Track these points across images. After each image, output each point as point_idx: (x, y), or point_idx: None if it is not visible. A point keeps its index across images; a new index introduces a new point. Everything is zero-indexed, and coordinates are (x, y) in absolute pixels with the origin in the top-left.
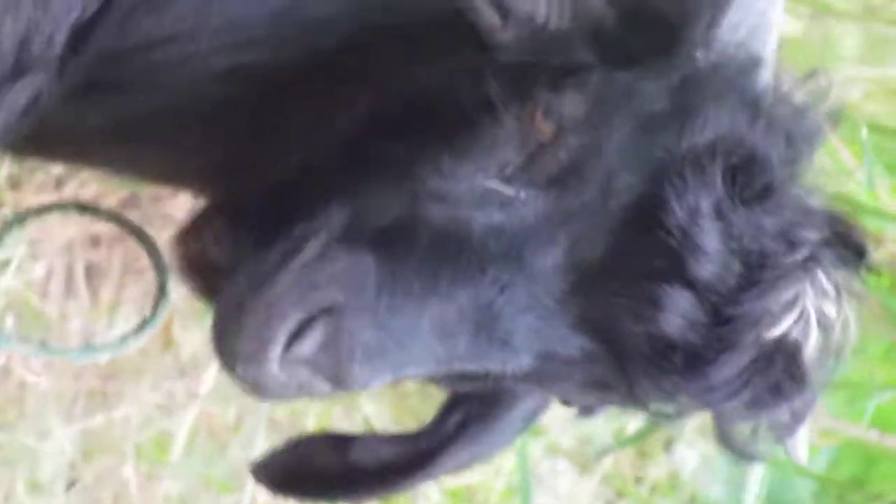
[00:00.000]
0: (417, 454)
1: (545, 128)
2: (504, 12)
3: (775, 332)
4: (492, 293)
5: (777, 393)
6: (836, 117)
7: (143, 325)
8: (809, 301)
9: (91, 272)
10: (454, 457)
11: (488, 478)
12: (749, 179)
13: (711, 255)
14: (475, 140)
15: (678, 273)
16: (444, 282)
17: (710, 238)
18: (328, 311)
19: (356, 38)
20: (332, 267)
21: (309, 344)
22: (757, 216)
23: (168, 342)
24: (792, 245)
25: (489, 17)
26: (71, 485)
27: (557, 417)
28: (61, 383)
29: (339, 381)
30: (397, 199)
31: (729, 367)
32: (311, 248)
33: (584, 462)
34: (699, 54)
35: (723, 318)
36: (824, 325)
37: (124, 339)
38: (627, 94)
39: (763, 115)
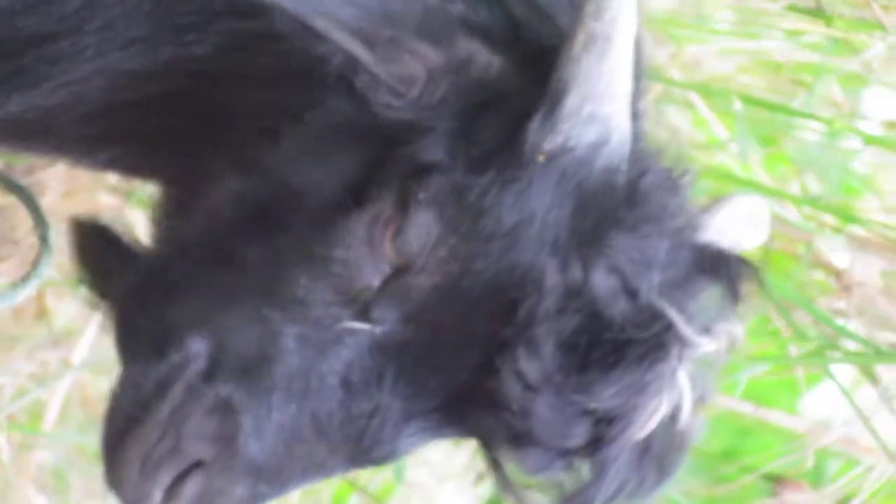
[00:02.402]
0: None
1: (396, 256)
2: (370, 76)
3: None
4: (359, 423)
5: (641, 488)
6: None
7: (29, 275)
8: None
9: None
10: None
11: None
12: (589, 340)
13: (542, 419)
14: (332, 254)
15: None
16: (310, 421)
17: (540, 406)
18: (199, 465)
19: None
20: (198, 414)
21: (185, 501)
22: (596, 377)
23: (42, 312)
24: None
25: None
26: None
27: None
28: None
29: None
30: (257, 329)
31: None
32: (178, 391)
33: None
34: (543, 149)
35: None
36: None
37: (14, 286)
38: (477, 211)
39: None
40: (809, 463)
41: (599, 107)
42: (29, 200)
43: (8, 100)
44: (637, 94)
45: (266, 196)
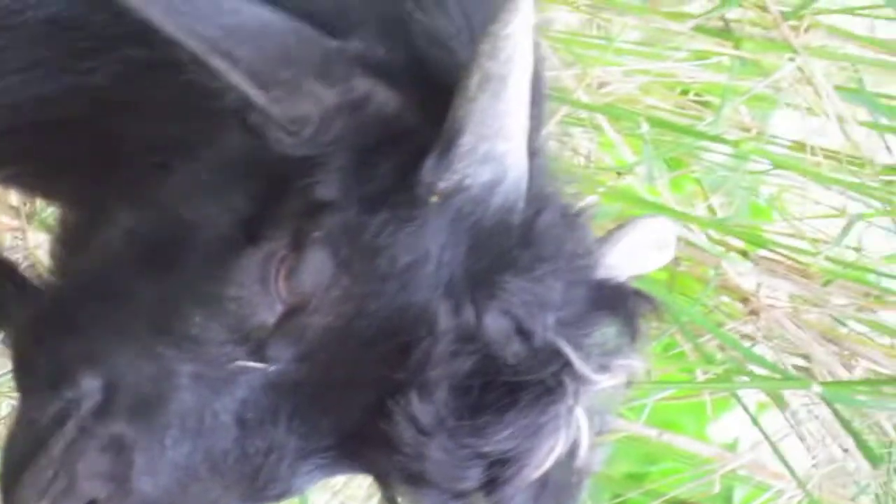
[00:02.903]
0: None
1: (290, 295)
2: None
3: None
4: (255, 461)
5: None
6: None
7: None
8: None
9: None
10: None
11: None
12: (483, 383)
13: (436, 462)
14: (225, 293)
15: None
16: (204, 459)
17: (433, 449)
18: (93, 503)
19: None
20: (92, 452)
21: None
22: (490, 420)
23: None
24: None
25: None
26: None
27: None
28: None
29: None
30: (151, 367)
31: None
32: (71, 429)
33: None
34: (437, 189)
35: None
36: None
37: None
38: (371, 250)
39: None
40: (717, 488)
41: (495, 146)
42: None
43: None
44: (535, 129)
45: (159, 232)
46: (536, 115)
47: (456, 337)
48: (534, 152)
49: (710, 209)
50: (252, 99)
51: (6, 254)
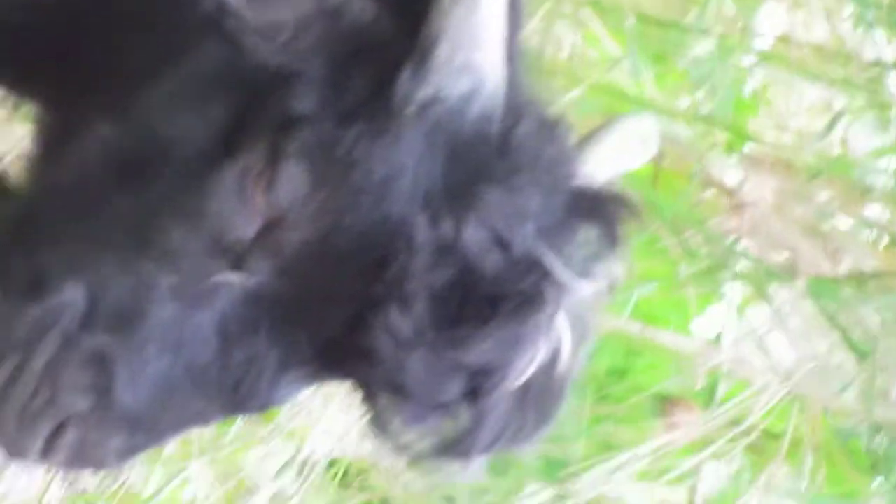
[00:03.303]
0: None
1: (267, 209)
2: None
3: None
4: (236, 373)
5: (521, 433)
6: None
7: None
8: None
9: None
10: None
11: None
12: (463, 295)
13: (416, 374)
14: (203, 206)
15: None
16: (186, 371)
17: (413, 362)
18: (74, 417)
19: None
20: (74, 365)
21: (63, 453)
22: (470, 332)
23: None
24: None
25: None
26: None
27: None
28: None
29: (95, 470)
30: (132, 280)
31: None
32: (54, 340)
33: None
34: (413, 101)
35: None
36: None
37: None
38: (346, 164)
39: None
40: (700, 383)
41: (471, 56)
42: None
43: None
44: (513, 35)
45: (136, 145)
46: (514, 19)
47: (434, 249)
48: (511, 58)
49: (695, 104)
50: (227, 2)
51: None
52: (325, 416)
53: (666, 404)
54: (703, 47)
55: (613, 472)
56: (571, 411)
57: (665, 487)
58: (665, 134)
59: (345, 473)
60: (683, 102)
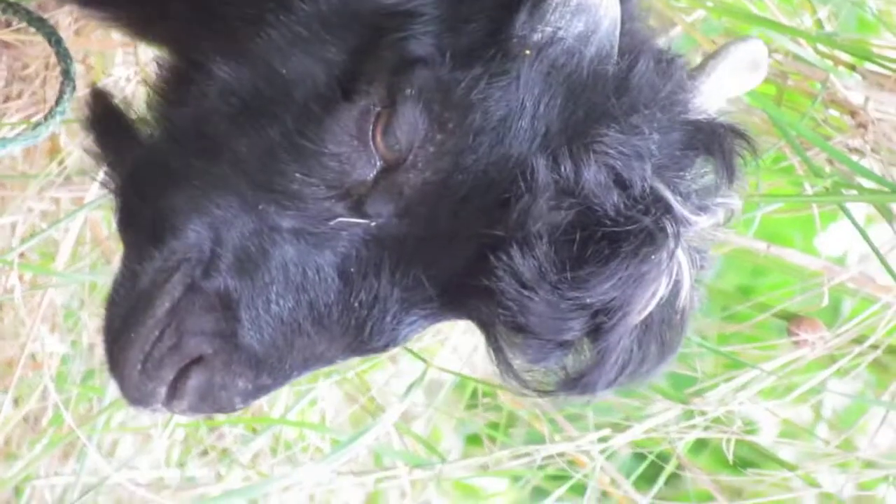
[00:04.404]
0: None
1: (386, 151)
2: None
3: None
4: (360, 314)
5: (643, 367)
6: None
7: (52, 111)
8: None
9: None
10: None
11: None
12: (584, 235)
13: (539, 314)
14: (323, 148)
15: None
16: (309, 313)
17: (536, 303)
18: (199, 361)
19: None
20: (198, 309)
21: (188, 398)
22: (591, 271)
23: (54, 150)
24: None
25: None
26: None
27: None
28: None
29: (221, 413)
30: (253, 223)
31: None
32: (177, 284)
33: None
34: (530, 42)
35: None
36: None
37: (36, 126)
38: (464, 106)
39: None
40: (824, 301)
41: None
42: (51, 34)
43: None
44: None
45: (255, 87)
46: None
47: (555, 190)
48: None
49: (818, 23)
50: None
51: (118, 69)
52: (453, 335)
53: (791, 322)
54: None
55: (739, 390)
56: (698, 329)
57: (791, 405)
58: (788, 53)
59: (472, 393)
60: (806, 21)
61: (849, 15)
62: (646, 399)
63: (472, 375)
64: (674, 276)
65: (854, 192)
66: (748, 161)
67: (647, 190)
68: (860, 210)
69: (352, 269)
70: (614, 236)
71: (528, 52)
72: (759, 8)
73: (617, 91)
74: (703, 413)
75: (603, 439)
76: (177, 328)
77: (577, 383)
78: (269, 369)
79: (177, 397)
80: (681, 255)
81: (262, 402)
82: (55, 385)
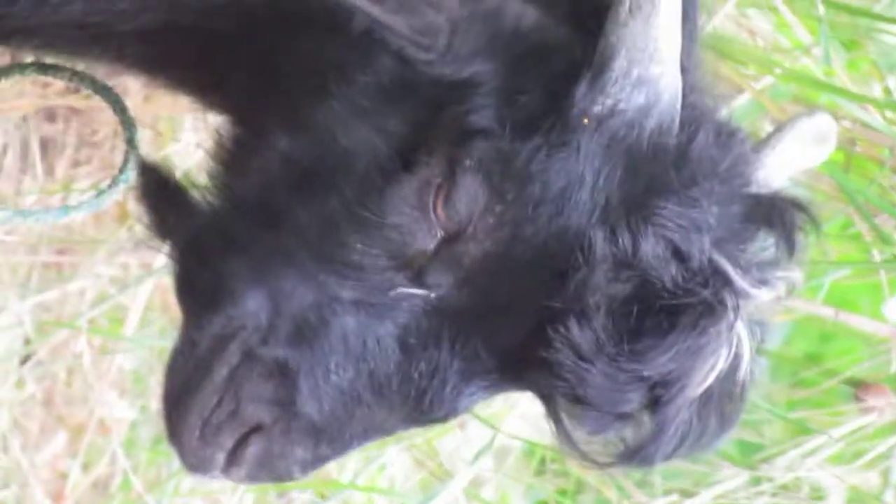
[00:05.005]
0: None
1: (447, 222)
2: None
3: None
4: (420, 384)
5: (702, 439)
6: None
7: (116, 179)
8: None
9: (46, 147)
10: None
11: None
12: (642, 307)
13: (597, 387)
14: (384, 219)
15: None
16: (369, 383)
17: (594, 375)
18: (258, 429)
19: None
20: (256, 376)
21: (247, 466)
22: (649, 344)
23: (123, 215)
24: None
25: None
26: (25, 359)
27: None
28: (16, 258)
29: (280, 482)
30: (312, 292)
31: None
32: (235, 351)
33: None
34: (590, 114)
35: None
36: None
37: (100, 193)
38: (524, 176)
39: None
40: (892, 367)
41: (648, 69)
42: (116, 102)
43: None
44: (689, 46)
45: (316, 157)
46: (689, 30)
47: (613, 263)
48: (687, 69)
49: (886, 90)
50: (367, 11)
51: (187, 134)
52: (522, 401)
53: (858, 388)
54: (894, 34)
55: (807, 456)
56: (766, 395)
57: (859, 471)
58: (856, 119)
59: (540, 459)
60: (875, 89)
61: None
62: (714, 465)
63: (541, 441)
64: (733, 349)
65: None
66: (811, 232)
67: (706, 262)
68: None
69: (412, 340)
70: (673, 309)
71: (588, 123)
72: (827, 74)
73: (676, 164)
74: (770, 479)
75: None
76: (235, 395)
77: (635, 455)
78: (328, 439)
79: (235, 464)
80: (740, 327)
81: (331, 466)
82: (124, 450)
